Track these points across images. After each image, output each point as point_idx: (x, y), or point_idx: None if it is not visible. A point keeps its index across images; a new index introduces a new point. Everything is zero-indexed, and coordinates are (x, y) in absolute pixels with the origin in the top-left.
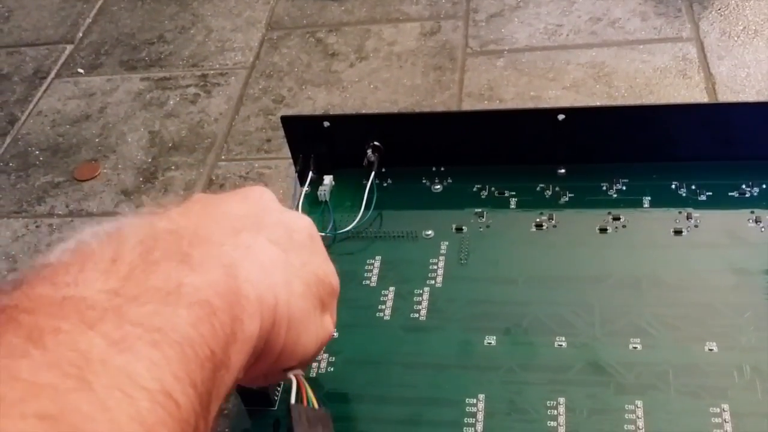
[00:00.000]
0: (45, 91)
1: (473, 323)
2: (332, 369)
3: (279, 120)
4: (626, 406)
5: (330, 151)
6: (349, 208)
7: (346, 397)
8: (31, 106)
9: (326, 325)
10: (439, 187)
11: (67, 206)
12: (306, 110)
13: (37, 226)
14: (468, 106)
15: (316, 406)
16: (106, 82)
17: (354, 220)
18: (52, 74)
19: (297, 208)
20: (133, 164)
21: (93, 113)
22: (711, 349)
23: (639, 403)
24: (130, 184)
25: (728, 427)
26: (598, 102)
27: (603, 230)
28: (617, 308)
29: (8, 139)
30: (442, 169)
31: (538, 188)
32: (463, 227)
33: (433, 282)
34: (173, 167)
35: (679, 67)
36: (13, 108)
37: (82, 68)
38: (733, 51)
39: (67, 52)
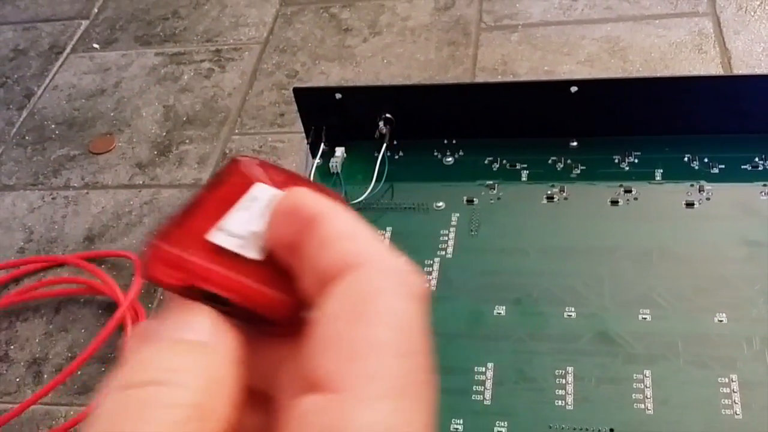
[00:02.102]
0: (61, 65)
1: (483, 293)
2: None
3: (292, 94)
4: (635, 375)
5: (342, 123)
6: (361, 180)
7: None
8: (47, 81)
9: None
10: (450, 159)
11: (82, 179)
12: (319, 84)
13: (53, 198)
14: (481, 80)
15: None
16: (121, 57)
17: (365, 192)
18: (68, 49)
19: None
20: (147, 138)
21: (108, 88)
22: (721, 320)
23: (648, 372)
24: (145, 158)
25: (737, 397)
26: (612, 76)
27: (614, 203)
28: (627, 279)
29: (25, 113)
30: (454, 141)
31: (549, 161)
32: (474, 199)
33: (443, 253)
34: (187, 141)
35: (694, 42)
36: (30, 83)
37: (97, 43)
38: (750, 26)
39: (82, 27)
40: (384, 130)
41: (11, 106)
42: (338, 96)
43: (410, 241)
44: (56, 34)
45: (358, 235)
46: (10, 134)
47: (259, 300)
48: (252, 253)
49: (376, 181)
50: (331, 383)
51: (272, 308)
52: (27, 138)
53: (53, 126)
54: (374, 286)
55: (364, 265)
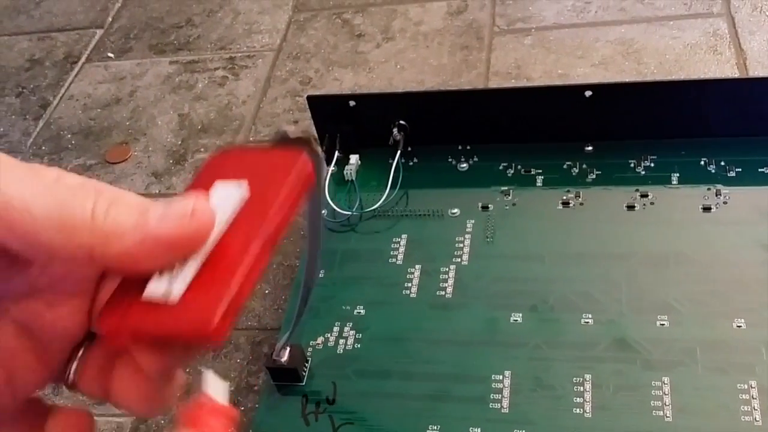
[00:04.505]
0: (76, 75)
1: (499, 300)
2: (359, 346)
3: (305, 101)
4: (653, 382)
5: (356, 131)
6: (375, 187)
7: (373, 374)
8: (62, 91)
9: None
10: (465, 165)
11: None
12: (333, 91)
13: None
14: (495, 85)
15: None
16: (136, 66)
17: (380, 199)
18: (83, 59)
19: (323, 188)
20: (163, 147)
21: (123, 97)
22: (739, 326)
23: (666, 379)
24: (161, 167)
25: (756, 403)
26: (627, 79)
27: (631, 207)
28: (644, 285)
29: (41, 123)
30: (468, 147)
31: (564, 166)
32: (489, 205)
33: (459, 260)
34: (202, 149)
35: (709, 43)
36: (45, 92)
37: (112, 53)
38: (765, 26)
39: (97, 36)
40: (398, 137)
41: (28, 117)
42: (352, 103)
43: (425, 247)
44: (71, 43)
45: None
46: (27, 144)
47: None
48: (175, 295)
49: (390, 188)
50: None
51: None
52: (43, 148)
53: (69, 136)
54: None
55: None
